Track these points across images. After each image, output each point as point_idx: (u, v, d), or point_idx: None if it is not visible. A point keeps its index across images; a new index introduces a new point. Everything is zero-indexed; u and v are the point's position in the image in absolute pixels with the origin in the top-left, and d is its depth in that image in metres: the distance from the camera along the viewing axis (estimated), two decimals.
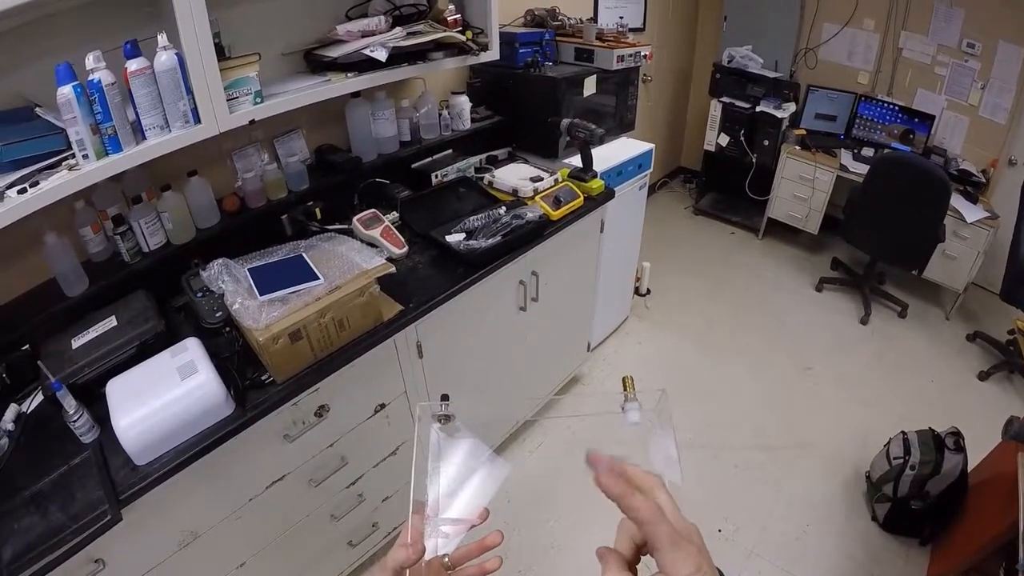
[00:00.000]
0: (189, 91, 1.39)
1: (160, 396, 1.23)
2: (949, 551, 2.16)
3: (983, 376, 3.33)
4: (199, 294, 1.55)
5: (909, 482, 2.23)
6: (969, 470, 2.24)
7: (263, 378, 1.41)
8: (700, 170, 5.00)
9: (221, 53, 1.48)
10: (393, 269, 1.53)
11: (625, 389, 0.59)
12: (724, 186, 4.93)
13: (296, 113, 1.74)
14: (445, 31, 1.92)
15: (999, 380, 3.32)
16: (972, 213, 3.52)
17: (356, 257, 1.49)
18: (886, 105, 4.06)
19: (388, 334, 1.61)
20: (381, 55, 1.73)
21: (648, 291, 3.75)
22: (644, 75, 4.25)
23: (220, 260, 1.46)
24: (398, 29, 1.82)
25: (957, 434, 2.27)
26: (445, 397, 0.59)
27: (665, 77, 4.82)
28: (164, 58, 1.33)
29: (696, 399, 3.03)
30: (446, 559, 0.56)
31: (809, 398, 3.10)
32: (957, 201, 3.53)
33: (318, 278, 1.41)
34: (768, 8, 4.26)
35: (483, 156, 2.53)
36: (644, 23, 4.16)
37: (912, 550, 2.32)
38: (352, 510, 1.84)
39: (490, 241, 1.83)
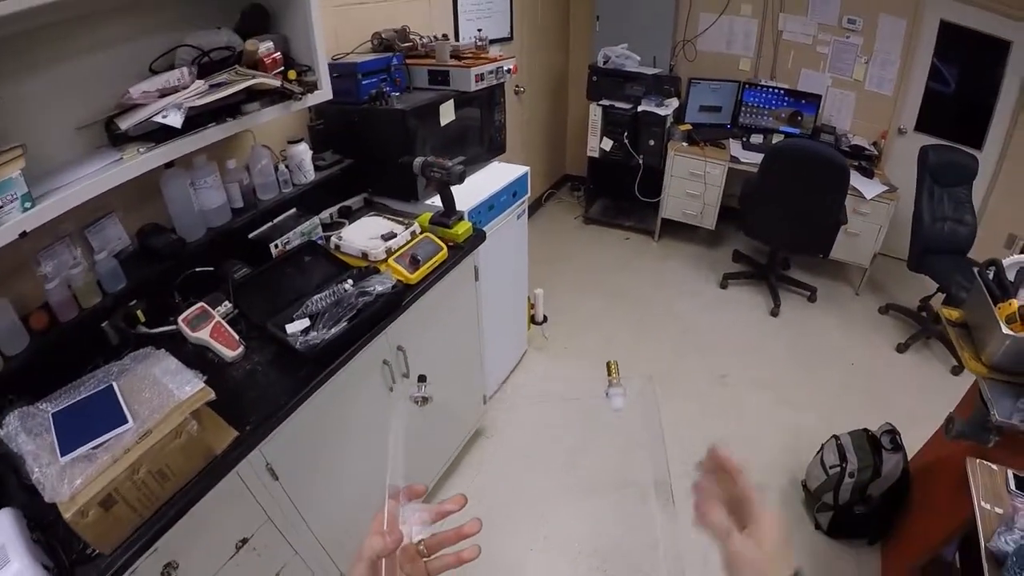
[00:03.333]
0: None
1: None
2: (901, 547, 2.22)
3: (901, 348, 3.53)
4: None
5: (850, 489, 2.26)
6: (909, 456, 2.28)
7: (88, 552, 1.24)
8: (586, 177, 5.04)
9: None
10: (213, 396, 1.36)
11: (610, 374, 0.63)
12: (613, 191, 5.01)
13: (106, 197, 1.55)
14: (255, 77, 1.73)
15: (918, 349, 3.54)
16: (870, 189, 3.74)
17: (170, 382, 1.34)
18: (771, 89, 4.26)
19: (226, 467, 1.45)
20: (175, 120, 1.54)
21: (545, 318, 3.65)
22: (517, 86, 4.26)
23: (16, 411, 1.29)
24: (199, 82, 1.64)
25: (893, 431, 2.31)
26: (423, 378, 0.66)
27: (540, 85, 4.84)
28: None
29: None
30: (421, 546, 0.58)
31: (729, 409, 3.11)
32: (854, 178, 3.72)
33: (127, 420, 1.25)
34: (641, 3, 4.34)
35: (334, 209, 2.37)
36: (511, 31, 4.14)
37: (862, 551, 2.38)
38: None
39: (333, 330, 1.64)
